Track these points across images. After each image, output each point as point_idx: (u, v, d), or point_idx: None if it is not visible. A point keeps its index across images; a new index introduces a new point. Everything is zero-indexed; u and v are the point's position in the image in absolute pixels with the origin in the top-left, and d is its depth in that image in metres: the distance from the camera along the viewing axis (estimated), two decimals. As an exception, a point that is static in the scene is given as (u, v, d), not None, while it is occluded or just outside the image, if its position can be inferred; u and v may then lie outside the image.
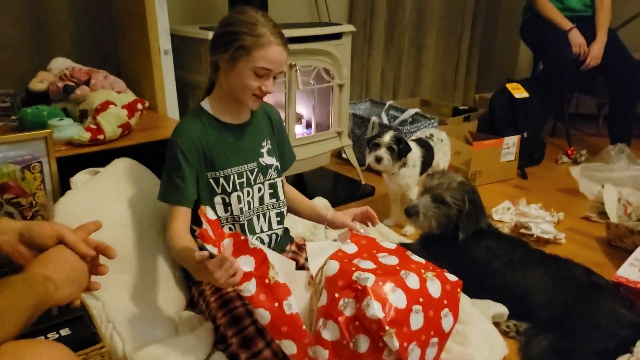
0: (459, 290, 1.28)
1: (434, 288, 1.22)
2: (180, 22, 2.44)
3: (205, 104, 1.50)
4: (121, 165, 1.71)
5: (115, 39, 2.26)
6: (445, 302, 1.23)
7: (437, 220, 1.75)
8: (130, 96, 1.89)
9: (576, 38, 3.05)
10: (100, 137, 1.69)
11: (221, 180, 1.48)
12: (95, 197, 1.55)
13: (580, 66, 3.08)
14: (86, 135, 1.67)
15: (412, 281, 1.20)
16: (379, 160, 2.11)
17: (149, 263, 1.57)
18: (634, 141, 3.24)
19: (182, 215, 1.43)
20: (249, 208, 1.53)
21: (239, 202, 1.50)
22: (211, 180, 1.47)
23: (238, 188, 1.50)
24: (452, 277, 1.30)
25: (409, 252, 1.36)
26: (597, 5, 3.16)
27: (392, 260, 1.26)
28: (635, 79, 3.07)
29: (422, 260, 1.33)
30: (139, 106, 1.83)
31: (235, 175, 1.49)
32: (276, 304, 1.17)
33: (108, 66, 2.13)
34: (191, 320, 1.49)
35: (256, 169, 1.53)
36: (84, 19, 2.21)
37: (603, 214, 2.40)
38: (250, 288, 1.17)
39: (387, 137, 2.11)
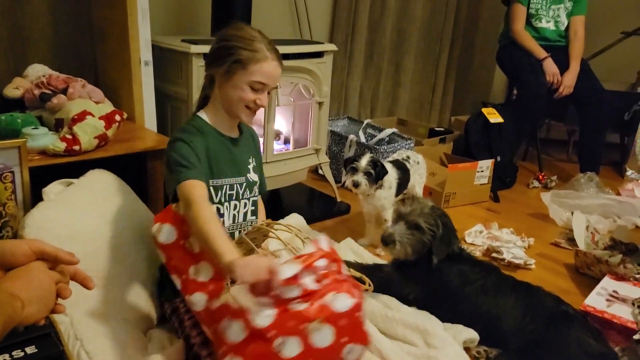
0: (358, 313, 1.15)
1: (321, 338, 1.10)
2: (161, 33, 2.42)
3: (202, 115, 1.52)
4: (96, 177, 1.68)
5: (94, 48, 2.23)
6: (342, 340, 1.13)
7: (412, 247, 1.76)
8: (108, 107, 1.86)
9: (550, 67, 3.13)
10: (76, 147, 1.66)
11: (216, 189, 1.50)
12: (68, 209, 1.52)
13: (554, 94, 3.17)
14: (61, 145, 1.64)
15: (291, 348, 1.09)
16: (356, 185, 2.13)
17: (122, 278, 1.55)
18: (602, 169, 3.34)
19: (203, 186, 1.35)
20: (234, 222, 1.57)
21: (228, 215, 1.54)
22: (211, 187, 1.48)
23: (228, 200, 1.53)
24: (347, 303, 1.13)
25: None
26: (570, 36, 3.26)
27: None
28: (605, 109, 3.16)
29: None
30: (117, 117, 1.80)
31: (228, 186, 1.53)
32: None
33: (86, 75, 2.09)
34: (161, 338, 1.46)
35: (244, 184, 1.57)
36: (63, 25, 2.17)
37: (572, 240, 2.45)
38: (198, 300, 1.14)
39: (364, 162, 2.13)
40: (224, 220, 1.53)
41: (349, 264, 1.55)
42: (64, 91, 1.83)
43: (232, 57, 1.41)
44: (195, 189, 1.32)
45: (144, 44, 2.00)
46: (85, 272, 0.95)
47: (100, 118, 1.73)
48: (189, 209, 1.27)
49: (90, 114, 1.72)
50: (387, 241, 1.76)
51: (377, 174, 2.14)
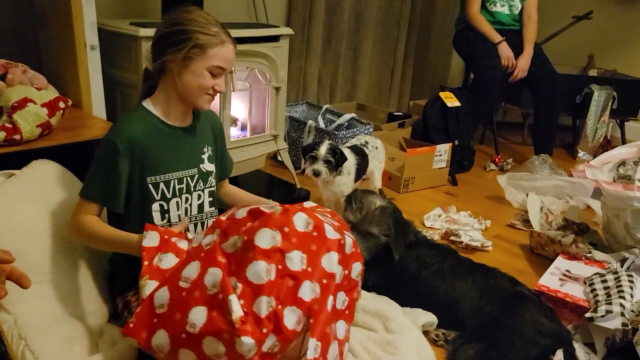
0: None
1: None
2: (108, 16, 2.32)
3: (148, 104, 1.45)
4: (40, 168, 1.60)
5: (36, 31, 2.11)
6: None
7: (368, 251, 1.74)
8: (51, 93, 1.77)
9: (505, 51, 3.17)
10: (17, 137, 1.57)
11: (161, 185, 1.44)
12: (9, 201, 1.44)
13: (509, 77, 3.21)
14: (0, 135, 1.55)
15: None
16: (317, 174, 2.10)
17: (69, 272, 1.48)
18: (555, 150, 3.42)
19: (98, 211, 1.40)
20: (186, 215, 1.51)
21: (177, 209, 1.48)
22: (150, 185, 1.42)
23: (177, 194, 1.48)
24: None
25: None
26: (524, 20, 3.31)
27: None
28: (557, 92, 3.23)
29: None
30: (61, 104, 1.71)
31: (176, 180, 1.47)
32: None
33: (28, 60, 1.97)
34: (113, 334, 1.41)
35: (196, 175, 1.51)
36: (2, 8, 2.05)
37: (527, 221, 2.50)
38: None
39: (324, 150, 2.10)
40: (170, 216, 1.47)
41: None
42: (3, 77, 1.73)
43: (189, 42, 1.34)
44: (94, 212, 1.40)
45: (89, 27, 1.90)
46: (21, 270, 0.89)
47: (42, 105, 1.65)
48: (79, 227, 1.38)
49: (31, 101, 1.63)
50: None
51: (336, 162, 2.12)
